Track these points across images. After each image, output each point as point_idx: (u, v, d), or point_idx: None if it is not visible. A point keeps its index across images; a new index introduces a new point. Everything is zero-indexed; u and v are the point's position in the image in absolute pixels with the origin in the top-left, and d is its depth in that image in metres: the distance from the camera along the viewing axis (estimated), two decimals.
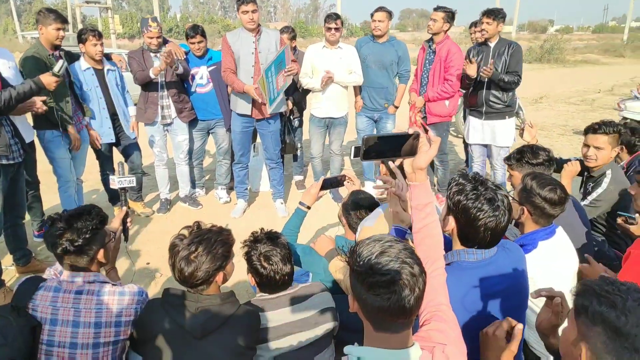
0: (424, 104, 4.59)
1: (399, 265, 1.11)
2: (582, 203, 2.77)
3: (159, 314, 1.60)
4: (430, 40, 4.55)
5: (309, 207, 2.44)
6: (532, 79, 13.02)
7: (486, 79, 4.21)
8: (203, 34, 4.49)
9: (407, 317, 1.14)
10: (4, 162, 2.94)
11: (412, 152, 1.35)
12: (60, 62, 3.09)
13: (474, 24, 5.22)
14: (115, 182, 2.37)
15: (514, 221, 2.11)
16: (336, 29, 4.52)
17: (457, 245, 1.53)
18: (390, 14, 4.62)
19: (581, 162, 2.93)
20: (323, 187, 2.44)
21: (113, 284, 1.74)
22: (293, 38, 4.98)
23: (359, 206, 2.32)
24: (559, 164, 2.97)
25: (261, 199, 5.18)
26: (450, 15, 4.39)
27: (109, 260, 1.89)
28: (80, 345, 1.59)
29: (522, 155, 2.59)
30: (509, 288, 1.51)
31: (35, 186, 3.92)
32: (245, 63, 4.14)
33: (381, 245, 1.15)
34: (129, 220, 2.16)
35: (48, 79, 2.99)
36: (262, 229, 1.93)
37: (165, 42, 4.43)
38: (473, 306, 1.47)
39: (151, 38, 4.24)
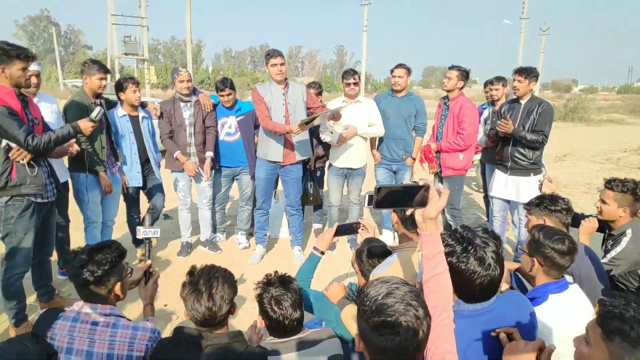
0: (437, 153, 4.69)
1: (404, 307, 1.15)
2: (602, 261, 2.73)
3: (170, 352, 1.64)
4: (446, 97, 4.72)
5: (322, 253, 2.48)
6: (555, 137, 13.03)
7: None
8: (232, 87, 4.74)
9: None
10: (39, 200, 3.10)
11: (423, 203, 1.43)
12: (98, 109, 3.32)
13: (490, 83, 5.39)
14: (141, 232, 2.50)
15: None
16: (354, 84, 4.71)
17: (455, 296, 1.55)
18: (409, 71, 4.82)
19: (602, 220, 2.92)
20: (337, 234, 2.49)
21: (128, 319, 1.82)
22: (319, 93, 5.21)
23: (372, 254, 2.35)
24: (577, 220, 2.96)
25: (280, 245, 5.23)
26: (464, 74, 4.57)
27: (146, 293, 2.12)
28: None
29: (542, 201, 2.63)
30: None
31: (65, 225, 4.09)
32: (277, 114, 4.32)
33: (388, 287, 1.21)
34: (151, 269, 2.28)
35: (85, 124, 3.20)
36: (275, 272, 1.98)
37: (195, 91, 4.69)
38: (476, 354, 1.47)
39: (182, 82, 4.48)
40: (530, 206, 2.68)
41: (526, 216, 2.76)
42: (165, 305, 3.77)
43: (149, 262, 2.26)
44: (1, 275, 3.09)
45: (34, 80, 3.60)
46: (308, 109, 4.48)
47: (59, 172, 3.72)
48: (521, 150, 4.24)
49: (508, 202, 4.51)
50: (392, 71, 4.86)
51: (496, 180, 4.51)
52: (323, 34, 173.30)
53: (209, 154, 4.63)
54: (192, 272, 1.77)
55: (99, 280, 1.78)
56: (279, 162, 4.45)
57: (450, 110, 4.59)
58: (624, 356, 1.11)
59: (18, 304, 3.18)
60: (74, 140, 3.38)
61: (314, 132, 4.81)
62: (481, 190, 6.85)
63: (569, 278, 2.15)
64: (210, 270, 1.75)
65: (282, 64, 4.24)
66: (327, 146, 5.00)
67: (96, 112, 3.29)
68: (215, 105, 4.77)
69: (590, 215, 3.01)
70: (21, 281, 3.18)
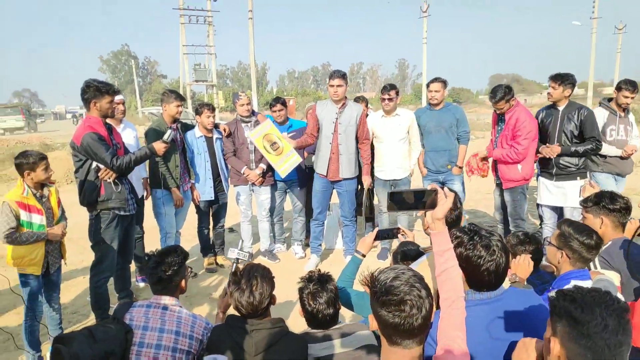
0: (494, 162, 4.71)
1: (408, 288, 1.37)
2: None
3: (223, 334, 1.95)
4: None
5: (364, 255, 2.67)
6: None
7: (555, 139, 4.25)
8: (283, 104, 5.19)
9: (416, 335, 1.37)
10: (122, 213, 3.58)
11: (433, 205, 1.62)
12: (169, 131, 3.85)
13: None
14: (234, 253, 2.87)
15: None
16: (389, 99, 4.86)
17: (466, 287, 1.71)
18: (445, 83, 4.93)
19: None
20: (377, 238, 2.66)
21: (187, 311, 2.21)
22: (366, 106, 5.48)
23: (407, 256, 2.51)
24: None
25: (334, 255, 5.48)
26: (508, 95, 4.44)
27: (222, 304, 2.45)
28: (163, 347, 2.04)
29: (600, 199, 2.61)
30: (522, 326, 1.62)
31: (141, 236, 4.61)
32: (326, 130, 4.65)
33: (395, 272, 1.43)
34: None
35: (159, 146, 3.73)
36: (319, 270, 2.22)
37: (254, 113, 5.12)
38: (484, 341, 1.60)
39: (242, 105, 4.97)
40: (588, 204, 2.66)
41: (582, 214, 2.75)
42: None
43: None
44: (92, 279, 3.56)
45: (121, 108, 4.27)
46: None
47: (137, 187, 4.28)
48: (565, 156, 4.23)
49: (557, 208, 4.44)
50: (428, 86, 4.99)
51: (542, 187, 4.50)
52: (384, 49, 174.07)
53: (262, 165, 5.01)
54: (235, 273, 2.08)
55: (170, 278, 2.20)
56: (323, 175, 4.73)
57: (507, 123, 4.52)
58: (570, 338, 1.19)
59: (104, 304, 3.64)
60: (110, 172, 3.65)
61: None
62: None
63: (614, 277, 2.21)
64: (250, 270, 2.05)
65: (339, 86, 4.53)
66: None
67: (167, 134, 3.81)
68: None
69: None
70: (107, 285, 3.65)
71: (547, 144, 4.30)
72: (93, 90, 3.37)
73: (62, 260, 3.45)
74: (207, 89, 34.88)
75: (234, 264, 2.86)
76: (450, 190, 1.71)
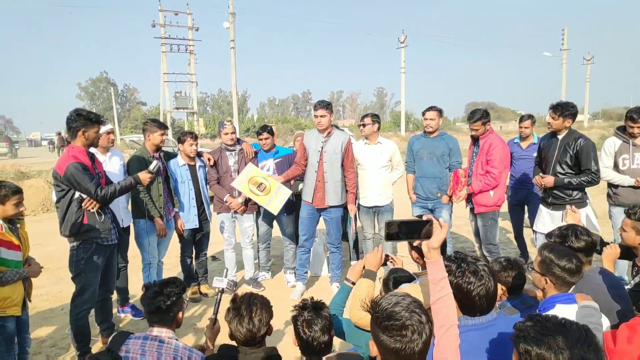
0: (469, 195, 4.82)
1: (409, 313, 1.42)
2: (627, 287, 2.77)
3: None
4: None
5: (353, 283, 2.68)
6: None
7: (551, 168, 4.24)
8: (270, 132, 5.22)
9: None
10: (105, 243, 3.53)
11: (428, 235, 1.67)
12: (155, 162, 3.83)
13: (520, 120, 5.70)
14: (217, 282, 2.85)
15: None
16: (363, 125, 5.08)
17: (459, 313, 1.75)
18: (440, 112, 5.04)
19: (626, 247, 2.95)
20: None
21: (184, 345, 2.17)
22: (349, 138, 5.55)
23: (398, 282, 2.54)
24: (603, 246, 3.00)
25: (320, 282, 5.45)
26: (485, 118, 4.70)
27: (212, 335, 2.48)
28: None
29: (565, 237, 2.58)
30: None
31: (125, 265, 4.52)
32: (312, 158, 4.73)
33: (396, 298, 1.48)
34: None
35: (144, 176, 3.69)
36: (311, 298, 2.22)
37: (239, 141, 5.15)
38: None
39: (227, 134, 4.99)
40: (552, 239, 2.62)
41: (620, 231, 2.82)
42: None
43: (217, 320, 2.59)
44: (73, 311, 3.45)
45: (111, 137, 4.23)
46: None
47: (124, 217, 4.24)
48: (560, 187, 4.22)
49: None
50: (423, 114, 5.09)
51: (539, 215, 4.51)
52: (363, 78, 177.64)
53: (244, 194, 4.98)
54: (234, 300, 2.07)
55: (168, 309, 2.18)
56: (309, 202, 4.77)
57: (481, 148, 4.71)
58: None
59: (86, 336, 3.54)
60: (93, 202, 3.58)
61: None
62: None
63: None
64: (250, 297, 2.06)
65: (322, 116, 4.62)
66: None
67: (153, 164, 3.80)
68: (256, 153, 5.20)
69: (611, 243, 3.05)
70: (87, 317, 3.54)
71: (542, 174, 4.31)
72: (83, 119, 3.35)
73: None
74: (188, 116, 34.86)
75: (220, 294, 2.84)
76: (436, 217, 1.77)
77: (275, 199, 4.81)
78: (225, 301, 2.93)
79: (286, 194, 4.86)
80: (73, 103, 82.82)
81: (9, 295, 2.89)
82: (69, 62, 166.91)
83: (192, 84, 33.10)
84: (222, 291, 2.87)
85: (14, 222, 3.03)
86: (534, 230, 4.65)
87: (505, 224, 7.22)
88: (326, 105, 4.66)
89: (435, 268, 1.63)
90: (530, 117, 5.76)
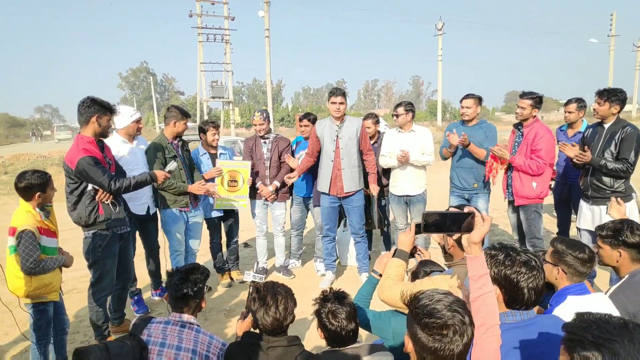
0: (506, 178, 4.62)
1: (452, 313, 1.33)
2: None
3: (238, 352, 1.92)
4: (519, 123, 4.61)
5: (380, 275, 2.63)
6: None
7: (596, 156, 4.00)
8: (311, 121, 5.21)
9: None
10: (120, 232, 3.57)
11: (469, 229, 1.55)
12: (173, 164, 3.85)
13: (565, 104, 5.28)
14: (250, 276, 2.88)
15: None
16: (396, 115, 4.97)
17: (500, 309, 1.64)
18: (479, 100, 4.84)
19: None
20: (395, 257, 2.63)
21: (205, 331, 2.19)
22: (376, 122, 5.46)
23: (427, 274, 2.46)
24: None
25: (349, 272, 5.41)
26: (537, 100, 4.43)
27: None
28: None
29: (619, 232, 2.40)
30: (555, 350, 1.56)
31: (156, 251, 4.61)
32: (328, 147, 4.67)
33: (438, 295, 1.39)
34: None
35: (160, 174, 3.66)
36: (331, 289, 2.18)
37: (269, 131, 5.14)
38: None
39: (255, 125, 5.02)
40: (604, 232, 2.46)
41: (597, 244, 2.53)
42: None
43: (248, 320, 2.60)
44: (91, 298, 3.51)
45: (140, 125, 4.24)
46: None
47: (150, 204, 4.31)
48: (600, 177, 3.99)
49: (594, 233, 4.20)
50: (461, 101, 4.91)
51: (581, 210, 4.27)
52: (398, 66, 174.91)
53: (275, 182, 5.02)
54: (257, 289, 2.05)
55: (195, 294, 2.20)
56: (326, 192, 4.73)
57: (525, 137, 4.46)
58: None
59: (104, 322, 3.61)
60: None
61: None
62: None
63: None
64: (273, 286, 2.04)
65: (341, 103, 4.55)
66: (387, 173, 5.19)
67: (170, 166, 3.82)
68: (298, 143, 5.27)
69: None
70: (106, 303, 3.60)
71: (582, 152, 3.99)
72: (98, 106, 3.32)
73: None
74: (224, 105, 35.34)
75: (251, 287, 2.85)
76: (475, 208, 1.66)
77: (229, 200, 4.90)
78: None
79: (241, 205, 4.97)
80: (115, 93, 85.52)
81: (50, 281, 3.00)
82: (111, 52, 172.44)
83: (228, 74, 33.45)
84: (253, 284, 2.87)
85: (44, 208, 3.09)
86: (578, 228, 4.39)
87: (545, 217, 6.95)
88: (343, 93, 4.63)
89: (476, 264, 1.53)
90: (578, 100, 5.18)
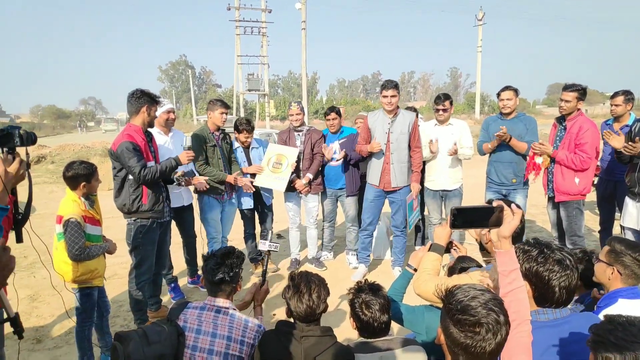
0: (546, 174, 4.46)
1: (487, 311, 1.30)
2: None
3: (272, 340, 1.95)
4: (562, 117, 4.43)
5: (415, 270, 2.61)
6: None
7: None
8: (338, 113, 5.19)
9: None
10: (161, 220, 3.70)
11: (498, 223, 1.51)
12: (186, 138, 3.88)
13: (614, 95, 5.02)
14: (265, 245, 2.95)
15: None
16: (444, 110, 4.83)
17: (531, 306, 1.61)
18: (516, 92, 4.70)
19: None
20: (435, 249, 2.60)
21: (240, 315, 2.21)
22: (416, 116, 5.37)
23: (464, 270, 2.43)
24: None
25: (383, 266, 5.40)
26: (582, 92, 4.24)
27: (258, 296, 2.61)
28: (215, 352, 2.06)
29: None
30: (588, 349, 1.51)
31: (193, 240, 4.73)
32: (379, 140, 4.62)
33: (474, 292, 1.36)
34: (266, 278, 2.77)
35: (182, 156, 3.69)
36: (366, 280, 2.19)
37: (303, 123, 5.16)
38: None
39: (291, 115, 5.07)
40: None
41: None
42: (274, 314, 4.15)
43: (265, 286, 2.70)
44: (132, 282, 3.66)
45: (172, 116, 4.34)
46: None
47: (185, 195, 4.42)
48: None
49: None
50: (498, 94, 4.76)
51: (626, 208, 4.09)
52: (436, 58, 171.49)
53: (308, 175, 5.05)
54: (292, 277, 2.09)
55: (231, 279, 2.23)
56: (376, 185, 4.69)
57: (568, 131, 4.28)
58: None
59: (144, 306, 3.76)
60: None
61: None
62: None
63: None
64: (307, 275, 2.07)
65: (392, 96, 4.51)
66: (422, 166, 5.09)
67: (184, 141, 3.82)
68: (324, 136, 5.25)
69: None
70: (145, 288, 3.73)
71: (632, 144, 3.78)
72: (148, 98, 3.53)
73: None
74: (259, 97, 35.70)
75: (266, 256, 2.94)
76: (519, 206, 1.61)
77: (269, 181, 4.92)
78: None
79: (281, 186, 4.93)
80: (154, 85, 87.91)
81: (95, 267, 3.15)
82: (151, 46, 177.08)
83: (264, 66, 33.75)
84: (269, 253, 2.96)
85: (89, 197, 3.21)
86: (621, 226, 4.19)
87: (586, 214, 6.70)
88: (395, 85, 4.54)
89: (505, 259, 1.49)
90: (626, 93, 4.92)
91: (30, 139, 1.79)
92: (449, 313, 1.34)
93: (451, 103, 4.90)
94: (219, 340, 2.08)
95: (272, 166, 4.91)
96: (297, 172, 5.06)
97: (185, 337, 2.03)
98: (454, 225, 1.59)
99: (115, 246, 3.34)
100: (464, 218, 1.58)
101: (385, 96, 4.53)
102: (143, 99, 3.51)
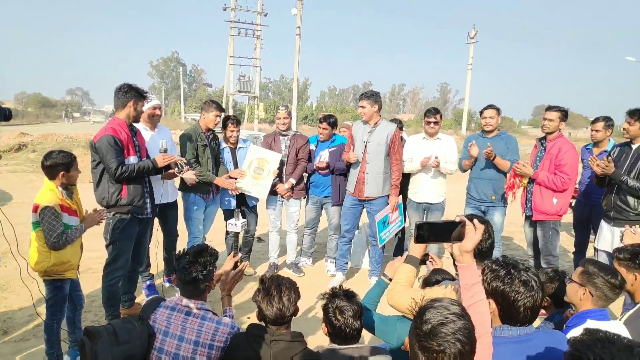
0: (524, 193, 4.56)
1: (454, 341, 1.28)
2: None
3: (242, 342, 1.94)
4: (544, 138, 4.56)
5: (390, 279, 2.63)
6: None
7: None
8: (331, 124, 5.20)
9: None
10: (141, 216, 3.66)
11: (460, 238, 1.56)
12: (162, 141, 3.83)
13: (594, 121, 5.16)
14: (232, 225, 2.89)
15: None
16: (435, 123, 4.88)
17: (496, 322, 1.65)
18: (499, 111, 4.80)
19: None
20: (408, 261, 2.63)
21: (214, 313, 2.17)
22: (400, 128, 5.44)
23: (438, 283, 2.45)
24: None
25: (360, 274, 5.42)
26: (564, 114, 4.39)
27: (225, 285, 2.49)
28: (181, 357, 2.01)
29: (637, 255, 2.41)
30: None
31: (175, 239, 4.69)
32: (357, 149, 4.70)
33: (446, 315, 1.33)
34: (239, 263, 2.70)
35: (159, 158, 3.65)
36: (341, 286, 2.20)
37: (289, 128, 5.18)
38: None
39: (278, 119, 5.07)
40: (621, 254, 2.47)
41: (615, 264, 2.51)
42: (249, 317, 4.12)
43: (239, 255, 2.62)
44: (106, 277, 3.60)
45: (157, 112, 4.30)
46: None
47: (171, 192, 4.36)
48: (624, 198, 3.89)
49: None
50: (481, 112, 4.87)
51: (601, 231, 4.19)
52: (427, 72, 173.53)
53: (291, 180, 5.06)
54: (263, 280, 2.08)
55: (204, 278, 2.16)
56: (351, 193, 4.76)
57: (548, 152, 4.40)
58: None
59: (116, 302, 3.71)
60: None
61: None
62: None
63: None
64: (278, 279, 2.08)
65: (362, 107, 4.60)
66: (405, 181, 5.13)
67: (161, 145, 3.78)
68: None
69: None
70: (119, 284, 3.68)
71: (606, 163, 3.89)
72: (135, 92, 3.52)
73: None
74: (249, 99, 35.60)
75: (234, 238, 2.89)
76: (487, 220, 1.65)
77: (251, 186, 4.86)
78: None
79: (260, 194, 4.92)
80: (144, 80, 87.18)
81: (69, 259, 3.09)
82: (143, 40, 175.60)
83: (256, 69, 33.68)
84: (237, 234, 2.92)
85: (68, 188, 3.17)
86: (595, 249, 4.29)
87: (562, 235, 6.82)
88: (368, 96, 4.59)
89: (467, 272, 1.53)
90: (606, 119, 5.08)
91: (3, 114, 1.73)
92: (416, 335, 1.33)
93: (441, 117, 4.97)
94: (185, 345, 2.02)
95: (253, 171, 4.90)
96: (280, 176, 5.07)
97: (155, 338, 1.99)
98: (418, 239, 1.62)
99: (93, 219, 3.22)
100: (428, 232, 1.62)
101: (360, 106, 4.61)
102: (130, 94, 3.49)
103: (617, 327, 2.02)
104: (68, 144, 15.03)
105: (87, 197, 3.54)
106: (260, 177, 4.90)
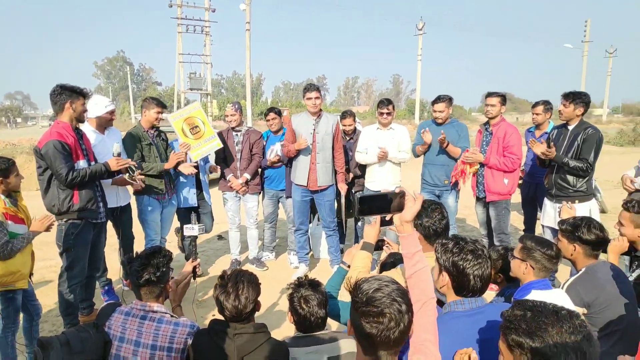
0: (475, 176, 4.77)
1: (390, 301, 1.35)
2: (630, 279, 2.74)
3: (205, 339, 1.94)
4: (487, 123, 4.80)
5: (349, 266, 2.69)
6: (620, 162, 12.51)
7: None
8: (277, 113, 5.27)
9: (391, 348, 1.37)
10: (94, 221, 3.55)
11: (400, 208, 1.61)
12: (116, 145, 3.70)
13: (534, 105, 5.44)
14: (189, 229, 2.84)
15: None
16: (388, 114, 4.96)
17: (450, 297, 1.74)
18: (450, 101, 4.93)
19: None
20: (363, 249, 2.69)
21: (172, 315, 2.12)
22: (354, 120, 5.53)
23: (395, 265, 2.54)
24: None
25: (322, 265, 5.49)
26: (504, 99, 4.67)
27: (176, 296, 2.35)
28: None
29: (577, 228, 2.54)
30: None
31: (131, 241, 4.56)
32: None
33: (379, 283, 1.41)
34: (197, 268, 2.63)
35: (112, 162, 3.53)
36: (306, 276, 2.24)
37: (241, 124, 5.16)
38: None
39: (227, 116, 5.09)
40: (564, 226, 2.60)
41: (558, 237, 2.68)
42: (214, 315, 4.09)
43: (198, 260, 2.57)
44: (62, 285, 3.47)
45: (113, 117, 4.19)
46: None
47: (122, 195, 4.25)
48: (564, 177, 4.14)
49: (556, 230, 4.36)
50: (432, 104, 5.00)
51: (545, 208, 4.44)
52: (379, 64, 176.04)
53: (246, 175, 5.05)
54: (222, 276, 2.04)
55: (158, 280, 2.08)
56: (304, 185, 4.79)
57: (494, 135, 4.62)
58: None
59: (74, 310, 3.58)
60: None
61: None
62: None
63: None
64: (237, 275, 2.02)
65: (316, 98, 4.63)
66: (363, 168, 5.24)
67: (114, 149, 3.67)
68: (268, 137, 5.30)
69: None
70: (77, 291, 3.54)
71: (548, 150, 4.08)
72: (69, 92, 3.33)
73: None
74: (202, 97, 34.91)
75: (191, 242, 2.85)
76: (443, 203, 1.73)
77: (202, 147, 4.69)
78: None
79: (216, 145, 4.75)
80: (89, 81, 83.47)
81: (18, 269, 2.95)
82: (86, 40, 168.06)
83: (206, 66, 33.08)
84: (195, 238, 2.88)
85: (11, 196, 3.03)
86: (542, 225, 4.56)
87: (512, 214, 7.15)
88: (318, 88, 4.73)
89: (408, 241, 1.57)
90: (545, 103, 5.33)
91: None
92: (355, 305, 1.39)
93: (394, 108, 5.07)
94: (142, 350, 1.95)
95: (191, 134, 4.66)
96: (234, 171, 5.04)
97: (111, 345, 1.93)
98: (360, 212, 1.67)
99: (41, 224, 3.07)
100: (369, 204, 1.66)
101: (309, 98, 4.65)
102: (64, 95, 3.32)
103: (558, 294, 2.18)
104: (10, 151, 14.26)
105: (36, 205, 3.39)
106: (202, 132, 4.69)
